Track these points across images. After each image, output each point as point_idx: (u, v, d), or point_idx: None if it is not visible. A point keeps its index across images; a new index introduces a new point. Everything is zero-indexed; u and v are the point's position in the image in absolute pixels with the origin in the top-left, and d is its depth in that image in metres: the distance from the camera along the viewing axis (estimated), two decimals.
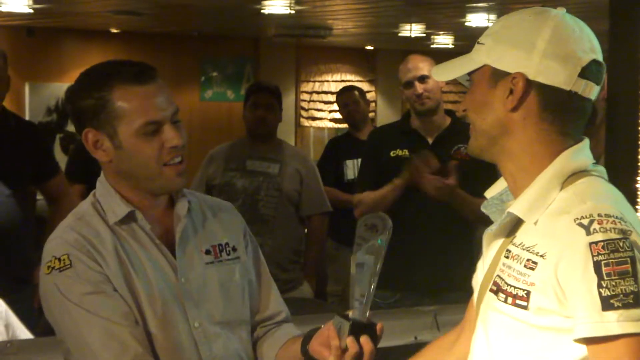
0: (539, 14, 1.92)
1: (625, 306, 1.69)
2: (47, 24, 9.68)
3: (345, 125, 7.91)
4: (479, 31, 5.68)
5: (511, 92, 1.84)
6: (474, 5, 8.45)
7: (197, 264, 2.40)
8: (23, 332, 4.02)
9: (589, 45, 1.89)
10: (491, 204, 2.07)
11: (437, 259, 4.61)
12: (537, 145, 1.94)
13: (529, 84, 1.85)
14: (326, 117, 12.23)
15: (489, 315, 1.96)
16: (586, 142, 1.95)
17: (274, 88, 5.78)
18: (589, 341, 1.74)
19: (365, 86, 10.38)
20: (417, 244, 4.60)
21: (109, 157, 2.28)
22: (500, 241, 1.96)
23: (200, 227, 2.43)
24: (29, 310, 4.35)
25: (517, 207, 1.88)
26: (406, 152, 4.86)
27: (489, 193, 2.05)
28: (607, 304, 1.70)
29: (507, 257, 1.89)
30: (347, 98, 6.94)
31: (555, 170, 1.90)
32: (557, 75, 1.86)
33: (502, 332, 1.92)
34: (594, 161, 1.91)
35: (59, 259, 2.25)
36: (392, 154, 4.88)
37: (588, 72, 1.86)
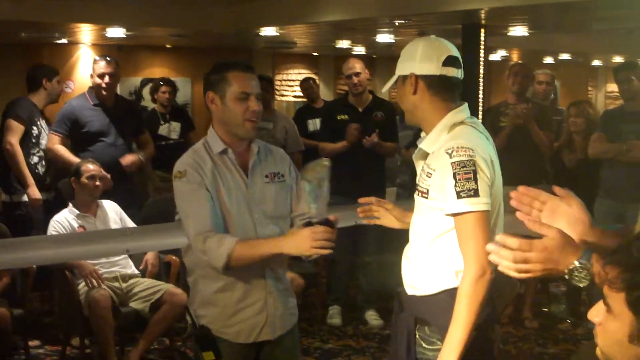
0: (415, 42, 2.88)
1: (469, 196, 2.63)
2: (128, 42, 11.85)
3: (303, 99, 10.53)
4: (381, 44, 10.69)
5: (411, 84, 2.81)
6: (378, 30, 11.03)
7: (259, 182, 3.30)
8: (131, 223, 5.89)
9: (444, 49, 2.82)
10: (420, 141, 2.97)
11: (363, 178, 6.35)
12: (431, 110, 2.86)
13: (417, 77, 2.80)
14: (290, 95, 14.78)
15: (416, 203, 2.92)
16: (465, 104, 2.86)
17: (269, 78, 8.01)
18: (452, 215, 2.69)
19: (312, 77, 11.37)
20: (352, 174, 6.25)
21: (217, 109, 3.23)
22: (422, 163, 2.91)
23: (264, 162, 3.33)
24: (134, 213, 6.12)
25: (424, 144, 2.84)
26: (346, 116, 6.63)
27: (422, 136, 2.97)
28: (459, 195, 2.64)
29: (422, 171, 2.85)
30: (307, 84, 9.54)
31: (442, 124, 2.81)
32: (429, 68, 2.80)
33: (420, 209, 2.89)
34: (470, 116, 2.83)
35: (180, 171, 3.20)
36: (338, 117, 6.70)
37: (446, 62, 2.80)
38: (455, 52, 2.89)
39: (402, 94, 2.93)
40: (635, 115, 6.14)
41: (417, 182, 2.92)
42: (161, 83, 8.52)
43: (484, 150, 2.74)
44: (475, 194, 2.65)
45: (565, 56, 16.63)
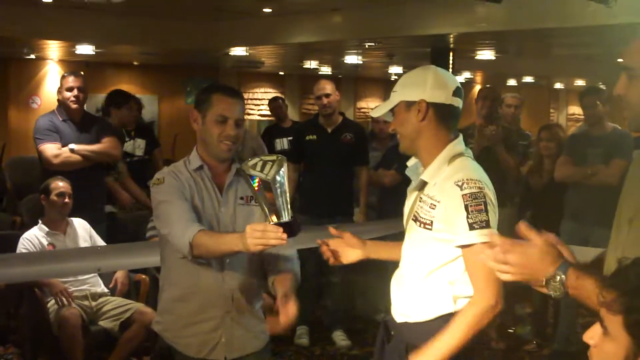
0: (424, 69, 2.86)
1: (481, 227, 2.63)
2: (96, 59, 11.97)
3: (269, 118, 10.94)
4: (348, 65, 10.79)
5: (419, 110, 2.75)
6: (346, 51, 11.33)
7: (232, 203, 3.34)
8: (101, 241, 5.78)
9: (452, 80, 2.84)
10: (411, 171, 2.96)
11: (332, 199, 6.37)
12: (434, 139, 2.82)
13: (428, 104, 2.75)
14: (256, 113, 14.86)
15: (412, 233, 2.85)
16: (461, 137, 2.85)
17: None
18: (463, 247, 2.67)
19: (280, 96, 10.85)
20: (321, 193, 6.31)
21: (198, 128, 3.30)
22: (416, 192, 2.86)
23: (242, 183, 3.33)
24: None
25: (425, 175, 2.80)
26: (315, 137, 6.57)
27: (409, 164, 2.97)
28: (471, 227, 2.63)
29: (420, 201, 2.80)
30: (276, 103, 9.37)
31: (445, 154, 2.78)
32: (441, 96, 2.78)
33: (418, 240, 2.83)
34: (467, 148, 2.80)
35: (158, 179, 3.28)
36: (307, 138, 6.63)
37: (455, 92, 2.80)
38: (459, 84, 2.91)
39: (403, 120, 2.87)
40: (601, 139, 6.22)
41: (412, 212, 2.88)
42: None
43: (488, 182, 2.76)
44: (487, 225, 2.66)
45: (528, 79, 16.88)
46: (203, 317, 3.30)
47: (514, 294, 7.16)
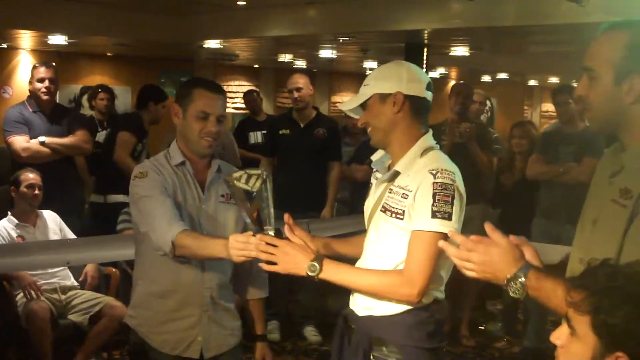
0: (397, 63, 2.95)
1: (443, 217, 2.68)
2: (69, 49, 11.70)
3: (243, 111, 11.11)
4: (323, 59, 10.87)
5: (394, 102, 2.81)
6: (321, 46, 11.26)
7: (214, 200, 3.33)
8: (71, 234, 5.83)
9: (424, 75, 2.93)
10: (377, 164, 3.00)
11: (304, 194, 6.36)
12: (408, 131, 2.88)
13: (404, 96, 2.82)
14: (230, 106, 14.21)
15: (380, 224, 2.86)
16: (430, 131, 2.92)
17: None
18: (416, 232, 2.71)
19: (255, 89, 11.39)
20: (292, 187, 6.17)
21: (179, 123, 3.29)
22: (384, 184, 2.89)
23: (222, 182, 3.20)
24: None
25: (399, 166, 2.83)
26: (288, 131, 6.65)
27: (374, 158, 3.02)
28: (434, 214, 2.69)
29: (390, 192, 2.83)
30: (250, 96, 9.57)
31: (418, 147, 2.86)
32: (416, 89, 2.85)
33: (388, 232, 2.83)
34: (436, 143, 2.87)
35: (141, 172, 3.24)
36: (280, 132, 6.73)
37: (427, 87, 2.89)
38: (430, 80, 2.98)
39: (378, 112, 2.90)
40: (572, 137, 6.27)
41: (380, 203, 2.91)
42: (99, 90, 8.53)
43: (460, 177, 2.81)
44: (449, 217, 2.71)
45: (502, 75, 16.96)
46: (181, 315, 3.29)
47: (485, 291, 7.25)
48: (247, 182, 2.77)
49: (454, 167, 2.81)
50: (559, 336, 1.85)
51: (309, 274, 2.72)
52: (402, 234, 2.80)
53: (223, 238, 2.98)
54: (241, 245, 2.77)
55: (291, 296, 7.07)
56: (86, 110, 11.79)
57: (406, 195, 2.79)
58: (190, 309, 3.29)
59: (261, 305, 3.52)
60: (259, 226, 2.79)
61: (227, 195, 3.31)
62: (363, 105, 2.94)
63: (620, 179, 2.20)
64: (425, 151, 2.86)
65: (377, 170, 3.04)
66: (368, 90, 2.90)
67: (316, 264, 2.73)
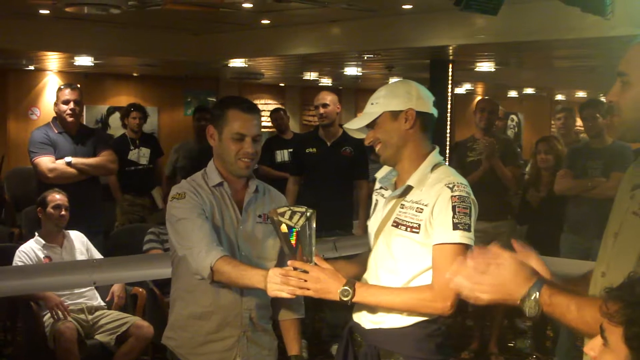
0: (404, 82, 3.01)
1: (464, 229, 2.75)
2: (95, 70, 12.13)
3: (270, 129, 10.99)
4: (348, 76, 10.90)
5: (406, 119, 2.87)
6: (346, 63, 11.44)
7: (252, 221, 3.29)
8: (97, 254, 5.79)
9: (429, 92, 3.00)
10: (383, 180, 3.06)
11: (331, 212, 5.88)
12: (418, 148, 2.94)
13: (416, 112, 2.89)
14: None
15: (393, 239, 2.89)
16: (437, 148, 2.99)
17: (209, 108, 7.82)
18: (439, 245, 2.77)
19: (282, 107, 10.88)
20: (320, 206, 5.94)
21: (215, 144, 3.28)
22: (394, 200, 2.93)
23: (260, 201, 3.33)
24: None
25: (412, 181, 2.88)
26: (315, 150, 6.59)
27: (379, 175, 3.08)
28: (455, 226, 2.75)
29: (402, 207, 2.88)
30: (277, 114, 9.41)
31: (428, 162, 2.92)
32: (425, 106, 2.93)
33: (402, 246, 2.87)
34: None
35: (179, 194, 3.22)
36: (307, 150, 6.69)
37: (433, 104, 2.98)
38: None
39: (390, 130, 2.93)
40: (600, 152, 6.22)
41: (390, 218, 2.93)
42: (132, 109, 8.56)
43: (469, 188, 2.87)
44: (469, 229, 2.78)
45: (529, 90, 16.88)
46: (220, 336, 3.28)
47: (514, 308, 7.17)
48: (290, 219, 2.79)
49: (465, 181, 2.89)
50: (593, 347, 1.83)
51: (343, 298, 2.77)
52: (417, 248, 2.85)
53: (263, 261, 3.06)
54: (278, 281, 2.77)
55: (318, 315, 7.03)
56: (114, 131, 12.08)
57: (421, 209, 2.84)
58: (229, 330, 3.27)
59: (297, 325, 3.46)
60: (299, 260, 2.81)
61: (265, 216, 3.29)
62: (370, 124, 2.96)
63: None
64: (435, 166, 2.92)
65: (381, 188, 3.09)
66: (377, 108, 2.94)
67: (349, 289, 2.78)
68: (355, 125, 3.00)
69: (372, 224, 3.04)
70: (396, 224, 2.89)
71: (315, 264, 2.81)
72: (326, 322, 6.90)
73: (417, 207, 2.85)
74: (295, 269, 2.77)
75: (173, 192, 3.25)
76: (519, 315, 7.37)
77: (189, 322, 3.30)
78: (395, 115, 2.91)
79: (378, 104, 2.94)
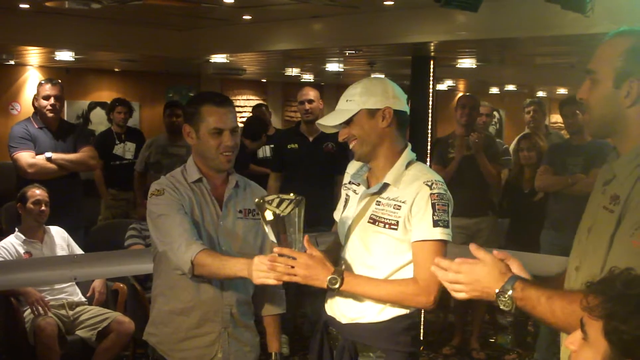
0: (379, 79, 3.05)
1: (444, 226, 2.82)
2: (77, 65, 11.96)
3: None
4: (330, 72, 10.91)
5: (383, 117, 2.91)
6: (328, 59, 11.37)
7: (232, 216, 3.29)
8: (78, 250, 5.82)
9: (402, 91, 3.03)
10: (356, 176, 3.11)
11: (313, 208, 6.15)
12: (392, 146, 2.98)
13: (393, 111, 2.93)
14: (238, 121, 15.67)
15: (370, 235, 2.93)
16: (410, 145, 3.03)
17: (180, 104, 8.02)
18: (420, 242, 2.84)
19: (263, 103, 11.55)
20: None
21: (193, 142, 3.26)
22: (368, 198, 2.97)
23: (241, 196, 3.33)
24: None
25: (388, 179, 2.92)
26: (296, 145, 6.59)
27: (350, 170, 3.16)
28: (435, 224, 2.81)
29: (378, 205, 2.92)
30: (259, 110, 9.62)
31: (403, 160, 2.96)
32: (401, 104, 2.96)
33: (380, 242, 2.91)
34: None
35: (158, 190, 3.22)
36: (288, 146, 6.68)
37: (407, 101, 3.03)
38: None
39: (368, 127, 2.96)
40: (580, 148, 6.24)
41: (365, 215, 2.98)
42: (117, 103, 8.60)
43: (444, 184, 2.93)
44: (448, 225, 2.86)
45: (510, 87, 16.93)
46: (201, 332, 3.28)
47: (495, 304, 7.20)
48: (278, 206, 2.78)
49: (441, 178, 2.95)
50: (573, 341, 1.86)
51: (330, 287, 2.82)
52: (395, 244, 2.91)
53: (243, 257, 3.00)
54: (264, 268, 2.78)
55: (299, 310, 7.03)
56: (95, 126, 12.08)
57: (399, 206, 2.89)
58: (210, 325, 3.28)
59: (277, 321, 3.50)
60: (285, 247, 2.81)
61: (246, 211, 3.32)
62: (346, 121, 2.98)
63: (611, 187, 2.28)
64: (410, 163, 2.98)
65: (351, 183, 3.14)
66: (353, 105, 2.96)
67: (337, 277, 2.82)
68: (331, 122, 3.01)
69: (345, 220, 3.07)
70: (373, 221, 2.95)
71: (305, 250, 2.83)
72: (307, 317, 6.90)
73: (395, 204, 2.90)
74: (281, 256, 2.78)
75: (152, 188, 3.25)
76: (500, 311, 7.35)
77: (170, 318, 3.30)
78: (372, 113, 2.95)
79: (354, 102, 2.97)
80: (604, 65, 2.28)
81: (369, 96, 2.96)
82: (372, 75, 13.63)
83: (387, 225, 2.90)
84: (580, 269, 2.29)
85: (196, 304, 3.25)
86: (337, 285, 2.82)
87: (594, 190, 2.42)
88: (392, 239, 2.90)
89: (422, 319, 6.80)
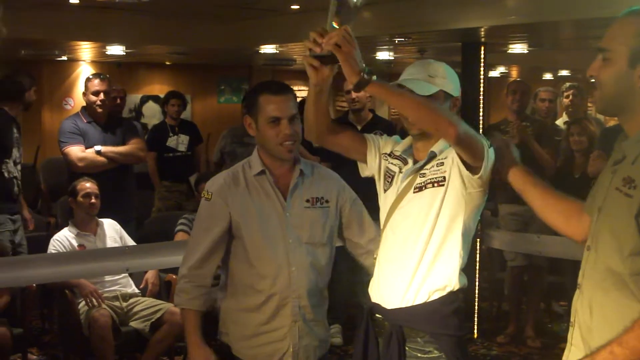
0: (453, 70, 3.07)
1: (488, 145, 2.84)
2: (128, 59, 12.19)
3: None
4: (380, 61, 10.72)
5: (454, 105, 3.02)
6: (378, 47, 11.15)
7: (298, 206, 3.24)
8: (131, 242, 5.91)
9: None
10: (405, 153, 3.09)
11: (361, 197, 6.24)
12: None
13: (455, 97, 3.04)
14: None
15: (414, 204, 2.94)
16: None
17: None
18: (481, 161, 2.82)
19: None
20: (351, 186, 5.77)
21: (254, 133, 3.23)
22: (413, 175, 2.99)
23: (307, 184, 3.28)
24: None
25: (436, 148, 2.97)
26: None
27: (400, 149, 3.12)
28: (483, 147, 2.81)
29: (422, 176, 2.95)
30: None
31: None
32: (455, 89, 3.04)
33: (424, 207, 2.92)
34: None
35: (209, 192, 3.25)
36: None
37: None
38: None
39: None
40: None
41: (410, 188, 2.97)
42: (171, 96, 8.74)
43: None
44: (485, 139, 2.86)
45: (564, 72, 16.68)
46: (272, 327, 3.25)
47: (551, 291, 7.12)
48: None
49: None
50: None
51: (365, 75, 2.68)
52: (447, 201, 2.89)
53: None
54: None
55: (352, 300, 6.98)
56: (147, 120, 12.17)
57: (441, 163, 2.91)
58: (281, 320, 3.24)
59: None
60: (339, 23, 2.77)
61: (313, 200, 3.28)
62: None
63: (622, 167, 2.27)
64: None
65: (393, 156, 3.12)
66: (438, 81, 2.98)
67: (371, 69, 2.71)
68: (419, 90, 2.93)
69: (389, 195, 3.06)
70: (419, 189, 2.94)
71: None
72: (361, 307, 6.77)
73: (437, 163, 2.93)
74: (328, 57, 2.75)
75: (206, 186, 3.28)
76: (556, 298, 7.33)
77: (241, 315, 3.29)
78: (446, 97, 3.00)
79: (437, 80, 2.98)
80: (618, 43, 2.28)
81: (450, 82, 3.01)
82: None
83: (435, 184, 2.91)
84: (591, 249, 2.30)
85: (267, 300, 3.22)
86: (370, 74, 2.69)
87: (604, 169, 2.42)
88: (438, 198, 2.89)
89: (476, 307, 6.76)
